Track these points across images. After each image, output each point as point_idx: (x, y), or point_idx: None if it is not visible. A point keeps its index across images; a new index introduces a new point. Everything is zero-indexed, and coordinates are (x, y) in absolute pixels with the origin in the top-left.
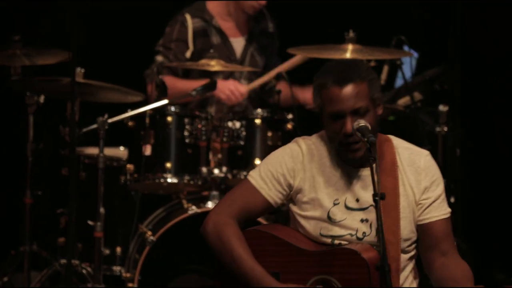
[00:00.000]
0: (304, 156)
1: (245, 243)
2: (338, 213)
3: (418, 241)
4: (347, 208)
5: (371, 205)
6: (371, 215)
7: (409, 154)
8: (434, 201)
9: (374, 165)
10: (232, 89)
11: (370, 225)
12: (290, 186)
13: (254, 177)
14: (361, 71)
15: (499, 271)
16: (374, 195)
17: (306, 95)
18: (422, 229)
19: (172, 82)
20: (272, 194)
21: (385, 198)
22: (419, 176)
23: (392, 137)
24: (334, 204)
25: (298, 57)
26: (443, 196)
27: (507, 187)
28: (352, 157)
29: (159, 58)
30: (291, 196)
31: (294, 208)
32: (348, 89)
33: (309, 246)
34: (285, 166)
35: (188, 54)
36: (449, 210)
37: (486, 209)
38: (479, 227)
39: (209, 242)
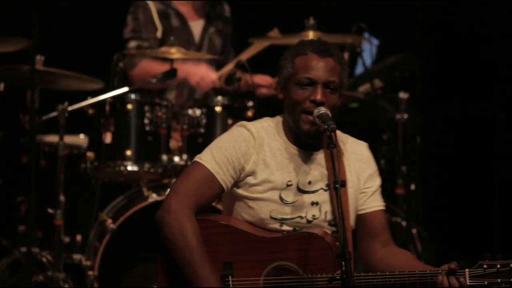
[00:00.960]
0: (255, 139)
1: (203, 244)
2: (290, 195)
3: (355, 231)
4: (299, 190)
5: (321, 188)
6: (321, 198)
7: (352, 143)
8: (375, 191)
9: (334, 152)
10: (203, 76)
11: (320, 208)
12: (242, 170)
13: (208, 161)
14: (338, 53)
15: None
16: (334, 183)
17: (261, 78)
18: (364, 218)
19: (149, 66)
20: (226, 179)
21: (345, 186)
22: (363, 164)
23: None
24: (287, 186)
25: (257, 46)
26: (380, 188)
27: (466, 174)
28: (307, 129)
29: (132, 43)
30: (240, 179)
31: (240, 191)
32: (326, 61)
33: (264, 233)
34: (239, 150)
35: (159, 33)
36: (384, 203)
37: (446, 197)
38: (439, 215)
39: (167, 233)
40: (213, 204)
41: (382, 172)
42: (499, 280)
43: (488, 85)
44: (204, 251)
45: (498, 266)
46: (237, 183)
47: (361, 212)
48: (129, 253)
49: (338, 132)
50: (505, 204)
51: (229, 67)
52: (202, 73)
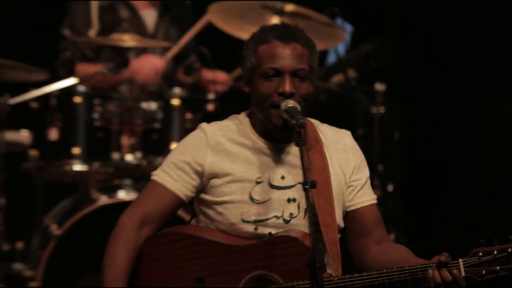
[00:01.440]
0: (209, 139)
1: (128, 263)
2: (262, 193)
3: (345, 229)
4: (272, 186)
5: (299, 183)
6: (299, 194)
7: (332, 132)
8: (365, 183)
9: (304, 150)
10: (148, 68)
11: (298, 205)
12: (200, 174)
13: (157, 173)
14: (305, 36)
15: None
16: (304, 184)
17: (216, 74)
18: (354, 215)
19: (85, 70)
20: (180, 186)
21: (316, 187)
22: (347, 155)
23: (308, 118)
24: (257, 183)
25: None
26: (369, 179)
27: (450, 173)
28: (279, 123)
29: (66, 43)
30: (203, 184)
31: (207, 197)
32: (292, 47)
33: (236, 241)
34: (188, 154)
35: (92, 33)
36: (375, 195)
37: (427, 198)
38: (420, 218)
39: (108, 243)
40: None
41: None
42: (497, 268)
43: (472, 77)
44: (125, 271)
45: (495, 252)
46: (203, 189)
47: (351, 208)
48: (76, 262)
49: (316, 122)
50: (492, 205)
51: (175, 49)
52: (146, 66)
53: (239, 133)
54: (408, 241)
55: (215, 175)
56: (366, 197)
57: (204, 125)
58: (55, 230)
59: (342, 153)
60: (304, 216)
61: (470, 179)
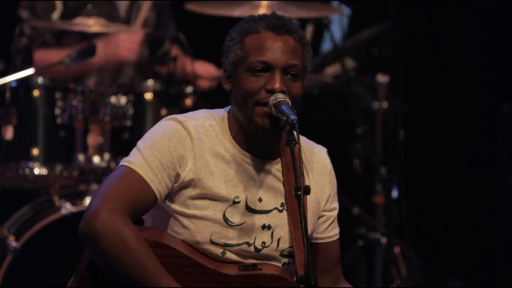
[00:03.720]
0: (193, 141)
1: (150, 251)
2: (237, 215)
3: None
4: (248, 209)
5: (275, 208)
6: (275, 221)
7: (312, 148)
8: (336, 215)
9: (295, 150)
10: (129, 47)
11: (272, 233)
12: (177, 177)
13: (141, 166)
14: (299, 30)
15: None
16: (296, 189)
17: (202, 67)
18: (320, 249)
19: (46, 56)
20: (161, 188)
21: (310, 193)
22: (325, 178)
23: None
24: (234, 203)
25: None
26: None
27: (462, 177)
28: (263, 123)
29: (23, 28)
30: (173, 189)
31: (173, 206)
32: (285, 39)
33: (214, 264)
34: (175, 153)
35: (55, 15)
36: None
37: (436, 206)
38: (428, 228)
39: (104, 246)
40: None
41: (356, 175)
42: None
43: (488, 66)
44: (159, 263)
45: None
46: (169, 195)
47: (320, 241)
48: (36, 278)
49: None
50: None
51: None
52: (126, 40)
53: (217, 139)
54: (414, 254)
55: (189, 184)
56: (335, 231)
57: (184, 121)
58: (12, 242)
59: (321, 175)
60: (276, 248)
61: (486, 184)
